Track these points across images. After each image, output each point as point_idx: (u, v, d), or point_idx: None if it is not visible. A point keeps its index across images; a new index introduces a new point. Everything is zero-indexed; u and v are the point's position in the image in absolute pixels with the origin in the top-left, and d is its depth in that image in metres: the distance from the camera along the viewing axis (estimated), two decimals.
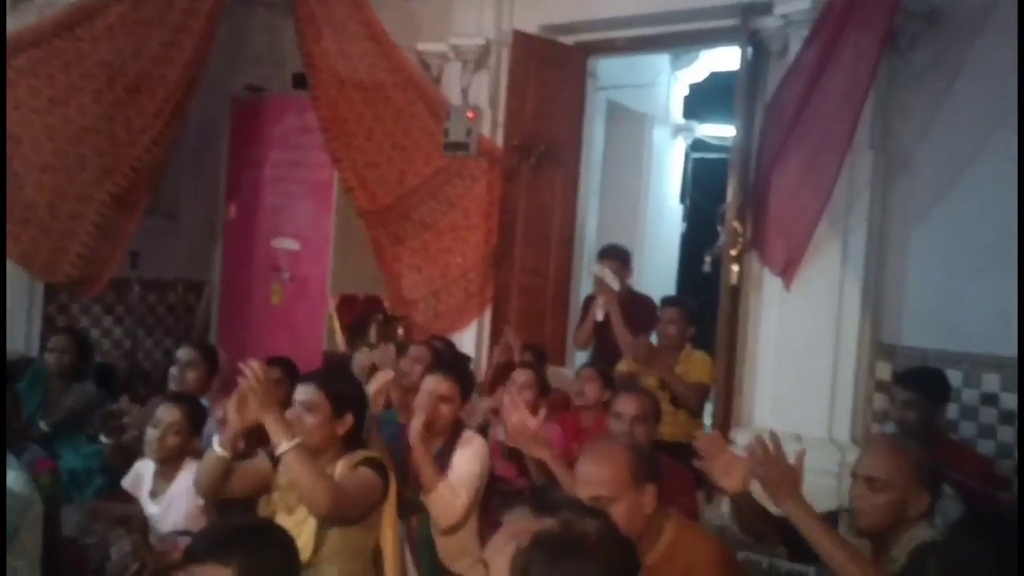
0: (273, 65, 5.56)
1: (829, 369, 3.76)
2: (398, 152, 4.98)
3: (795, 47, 3.97)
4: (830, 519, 2.32)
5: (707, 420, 4.19)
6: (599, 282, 4.56)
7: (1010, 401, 3.65)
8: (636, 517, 1.98)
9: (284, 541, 1.83)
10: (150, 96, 4.62)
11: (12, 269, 4.46)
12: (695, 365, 4.17)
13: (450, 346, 4.53)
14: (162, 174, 4.85)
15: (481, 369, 4.82)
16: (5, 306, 4.09)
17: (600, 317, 4.60)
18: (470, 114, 4.83)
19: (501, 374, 4.04)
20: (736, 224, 4.00)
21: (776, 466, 2.17)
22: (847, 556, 2.02)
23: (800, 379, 3.80)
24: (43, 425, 3.79)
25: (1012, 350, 3.60)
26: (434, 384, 2.94)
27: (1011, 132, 3.62)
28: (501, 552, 1.26)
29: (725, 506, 3.69)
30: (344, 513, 2.35)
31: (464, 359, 4.44)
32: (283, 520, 2.34)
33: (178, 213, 5.54)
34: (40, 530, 2.47)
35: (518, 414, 2.73)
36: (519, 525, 1.28)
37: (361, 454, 2.52)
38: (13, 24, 4.33)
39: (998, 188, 3.65)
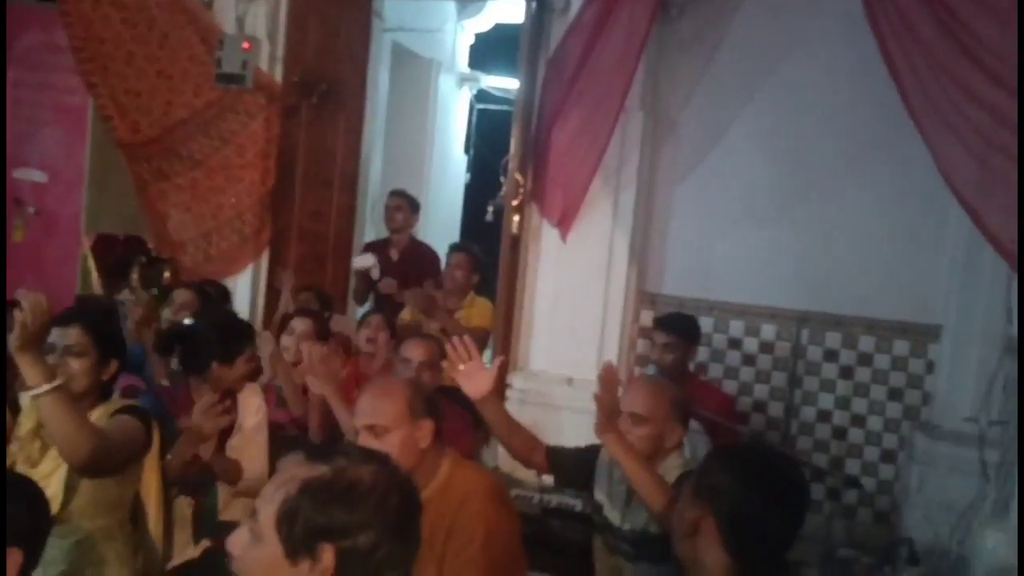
0: None
1: (599, 316, 3.99)
2: (163, 80, 4.59)
3: (577, 4, 4.08)
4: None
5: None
6: (359, 275, 4.62)
7: (750, 345, 4.08)
8: (410, 450, 2.04)
9: (33, 493, 1.67)
10: None
11: None
12: (476, 311, 4.28)
13: (223, 292, 4.30)
14: None
15: (260, 314, 4.63)
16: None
17: (376, 276, 4.60)
18: (245, 44, 4.52)
19: (285, 323, 3.90)
20: (518, 176, 4.09)
21: (611, 392, 2.36)
22: (654, 478, 2.24)
23: (572, 325, 4.00)
24: None
25: (756, 299, 4.03)
26: None
27: (763, 103, 3.98)
28: (271, 501, 1.21)
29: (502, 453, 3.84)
30: (104, 463, 2.14)
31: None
32: (25, 473, 2.12)
33: None
34: None
35: (306, 347, 2.82)
36: (289, 472, 1.23)
37: (118, 401, 2.34)
38: None
39: (751, 154, 4.02)
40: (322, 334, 3.58)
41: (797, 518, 1.66)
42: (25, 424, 2.23)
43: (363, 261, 4.67)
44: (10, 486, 1.64)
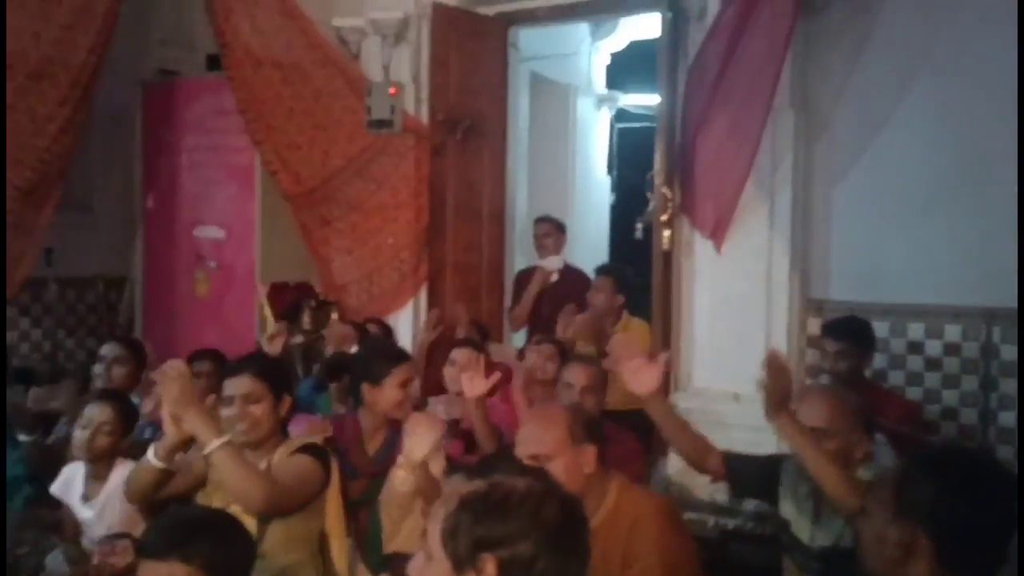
0: (184, 47, 5.36)
1: (762, 327, 3.84)
2: (320, 132, 4.85)
3: (714, 9, 4.00)
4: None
5: None
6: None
7: (933, 348, 3.80)
8: (575, 476, 2.01)
9: (244, 533, 1.80)
10: (53, 82, 4.39)
11: None
12: (633, 335, 4.21)
13: (386, 329, 4.47)
14: (72, 165, 4.63)
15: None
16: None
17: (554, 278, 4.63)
18: (392, 90, 4.73)
19: (433, 353, 3.99)
20: (665, 190, 4.03)
21: (781, 378, 2.22)
22: (838, 472, 2.08)
23: (735, 339, 3.87)
24: None
25: (933, 299, 3.75)
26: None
27: (920, 90, 3.74)
28: (436, 519, 1.26)
29: (672, 467, 3.76)
30: (280, 506, 2.27)
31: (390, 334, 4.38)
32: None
33: (93, 206, 5.31)
34: None
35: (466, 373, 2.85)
36: (451, 489, 1.28)
37: (298, 440, 2.45)
38: None
39: (913, 144, 3.77)
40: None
41: (1013, 525, 1.48)
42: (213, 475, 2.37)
43: (551, 264, 4.72)
44: (227, 526, 1.77)
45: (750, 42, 3.79)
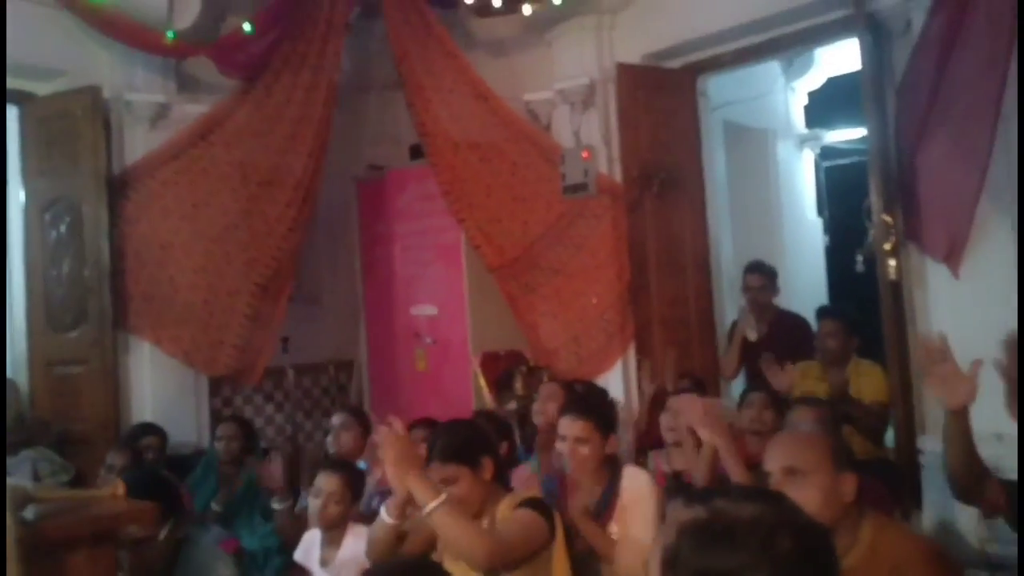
0: (390, 143, 5.77)
1: (1015, 356, 3.37)
2: (519, 203, 4.99)
3: (918, 22, 3.72)
4: None
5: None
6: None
7: None
8: (830, 501, 1.81)
9: None
10: (280, 187, 4.87)
11: (177, 367, 4.73)
12: (867, 379, 3.85)
13: (591, 388, 4.40)
14: (300, 260, 5.07)
15: (633, 408, 4.66)
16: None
17: (752, 338, 4.41)
18: (584, 154, 4.80)
19: (654, 406, 3.88)
20: (886, 217, 3.71)
21: (948, 365, 2.05)
22: None
23: (987, 371, 3.42)
24: (215, 506, 3.92)
25: None
26: (567, 427, 2.81)
27: None
28: (656, 549, 1.16)
29: (928, 520, 3.36)
30: (504, 561, 2.25)
31: (599, 394, 4.30)
32: (451, 566, 2.27)
33: (320, 296, 5.75)
34: None
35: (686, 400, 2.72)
36: (671, 516, 1.17)
37: (522, 493, 2.43)
38: (154, 141, 4.70)
39: None
40: None
41: None
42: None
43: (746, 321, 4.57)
44: (418, 573, 1.76)
45: (966, 48, 3.47)
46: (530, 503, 2.38)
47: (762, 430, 3.35)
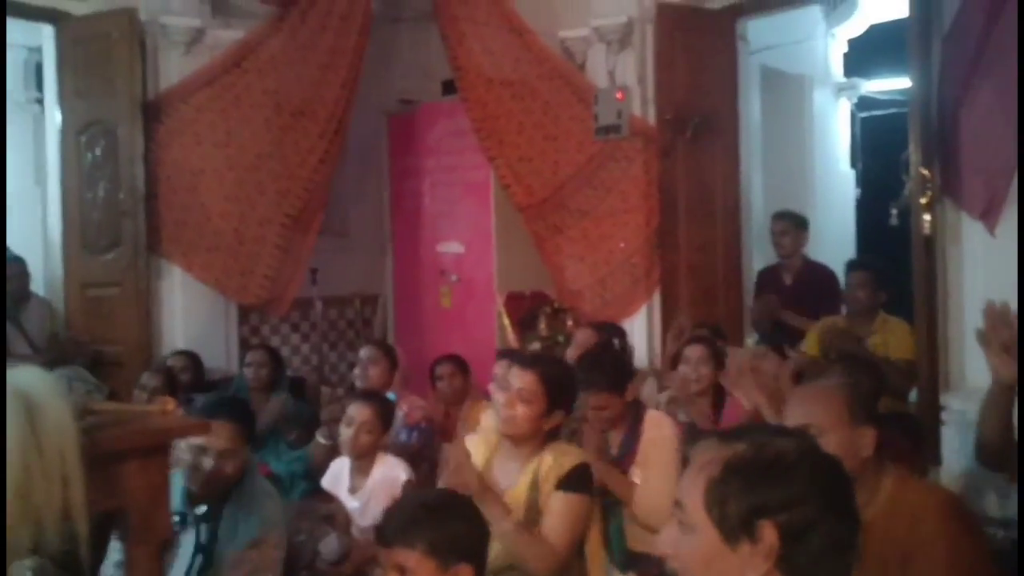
0: (422, 77, 5.71)
1: None
2: (550, 143, 4.95)
3: None
4: None
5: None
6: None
7: None
8: (850, 456, 1.80)
9: (467, 511, 1.80)
10: (313, 118, 4.86)
11: (208, 294, 4.80)
12: (895, 335, 3.83)
13: (620, 332, 4.42)
14: (329, 192, 5.09)
15: (656, 353, 4.69)
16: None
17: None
18: (618, 95, 4.74)
19: (677, 362, 3.89)
20: (924, 170, 3.66)
21: (1009, 332, 2.03)
22: None
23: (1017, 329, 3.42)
24: None
25: None
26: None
27: None
28: (694, 486, 1.15)
29: (947, 475, 3.39)
30: (565, 562, 2.33)
31: (619, 334, 4.29)
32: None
33: (348, 230, 5.78)
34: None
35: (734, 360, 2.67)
36: (706, 456, 1.16)
37: (570, 456, 2.39)
38: (188, 67, 4.68)
39: None
40: (718, 363, 3.47)
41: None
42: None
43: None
44: (448, 507, 1.77)
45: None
46: (574, 481, 2.34)
47: (698, 387, 3.36)
